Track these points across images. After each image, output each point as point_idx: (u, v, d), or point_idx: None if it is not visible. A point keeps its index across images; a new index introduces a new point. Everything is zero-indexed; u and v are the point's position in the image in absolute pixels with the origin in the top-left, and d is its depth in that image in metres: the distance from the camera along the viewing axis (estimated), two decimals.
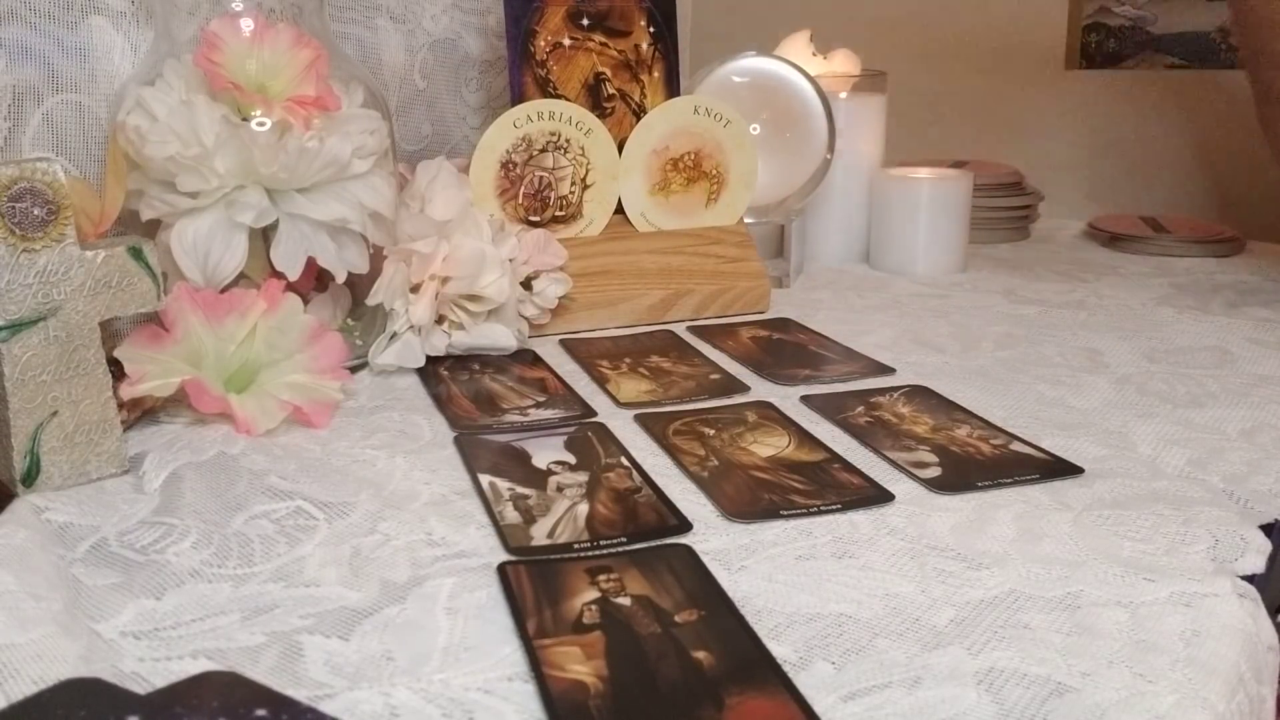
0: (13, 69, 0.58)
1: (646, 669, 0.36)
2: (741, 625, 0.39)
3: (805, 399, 0.62)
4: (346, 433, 0.56)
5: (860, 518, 0.47)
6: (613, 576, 0.42)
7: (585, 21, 0.80)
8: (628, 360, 0.69)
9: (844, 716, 0.34)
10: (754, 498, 0.49)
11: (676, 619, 0.39)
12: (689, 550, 0.44)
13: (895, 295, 0.86)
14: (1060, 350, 0.71)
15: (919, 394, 0.62)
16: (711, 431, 0.57)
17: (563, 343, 0.72)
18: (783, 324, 0.77)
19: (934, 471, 0.52)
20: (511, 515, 0.47)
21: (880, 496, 0.49)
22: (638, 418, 0.59)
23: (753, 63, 0.88)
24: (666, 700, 0.34)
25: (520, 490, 0.50)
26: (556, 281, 0.72)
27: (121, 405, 0.52)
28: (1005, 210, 1.06)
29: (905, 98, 1.12)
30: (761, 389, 0.64)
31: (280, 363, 0.57)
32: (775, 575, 0.43)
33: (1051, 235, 1.10)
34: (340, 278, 0.62)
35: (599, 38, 0.80)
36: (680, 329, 0.76)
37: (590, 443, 0.55)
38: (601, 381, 0.65)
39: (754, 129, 0.86)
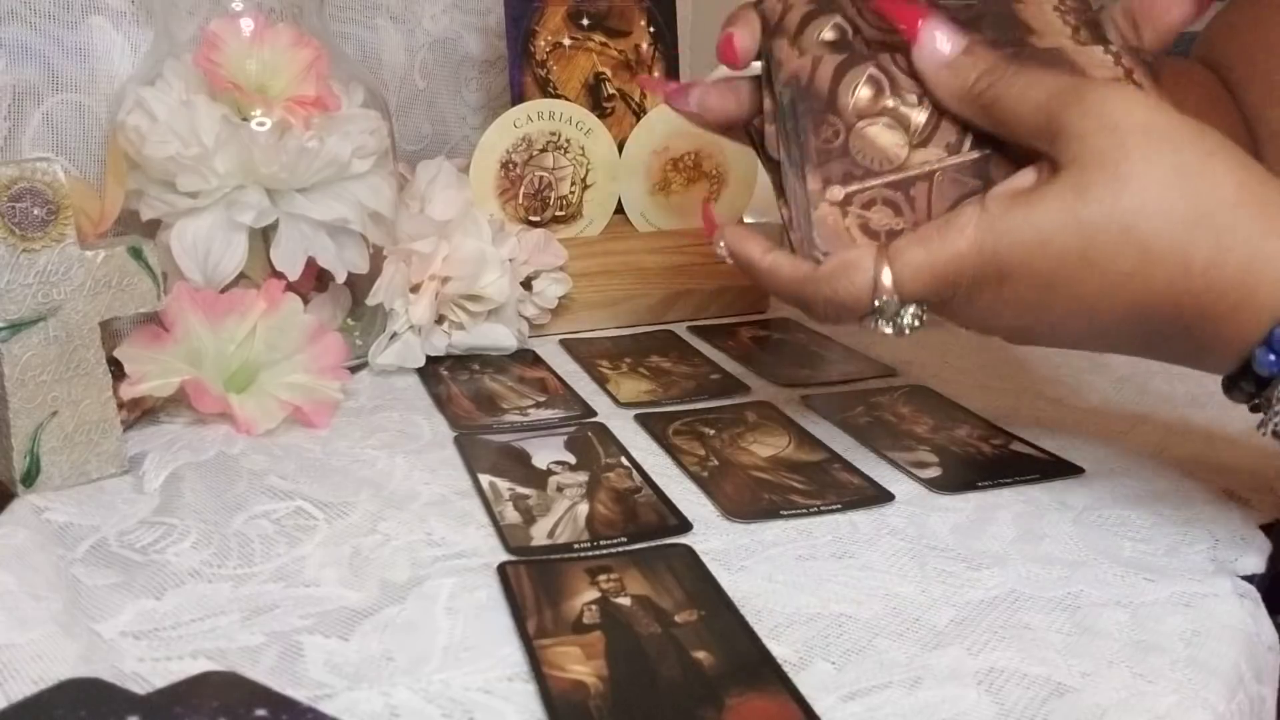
0: (13, 69, 0.58)
1: (646, 669, 0.36)
2: (741, 625, 0.39)
3: (805, 399, 0.62)
4: (346, 433, 0.56)
5: (860, 518, 0.47)
6: (613, 576, 0.42)
7: (585, 21, 0.80)
8: (628, 360, 0.69)
9: (844, 716, 0.34)
10: (754, 498, 0.49)
11: (676, 619, 0.39)
12: (689, 550, 0.44)
13: None
14: (1061, 350, 0.71)
15: (919, 394, 0.62)
16: (711, 431, 0.57)
17: (563, 343, 0.72)
18: (783, 324, 0.77)
19: (934, 471, 0.52)
20: (511, 515, 0.47)
21: (880, 496, 0.49)
22: (638, 418, 0.59)
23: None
24: (666, 700, 0.34)
25: (520, 490, 0.50)
26: (556, 281, 0.72)
27: (121, 405, 0.52)
28: None
29: None
30: (761, 389, 0.64)
31: (280, 363, 0.57)
32: (775, 575, 0.43)
33: None
34: (340, 278, 0.62)
35: (599, 38, 0.80)
36: (680, 329, 0.76)
37: (590, 443, 0.55)
38: (601, 381, 0.65)
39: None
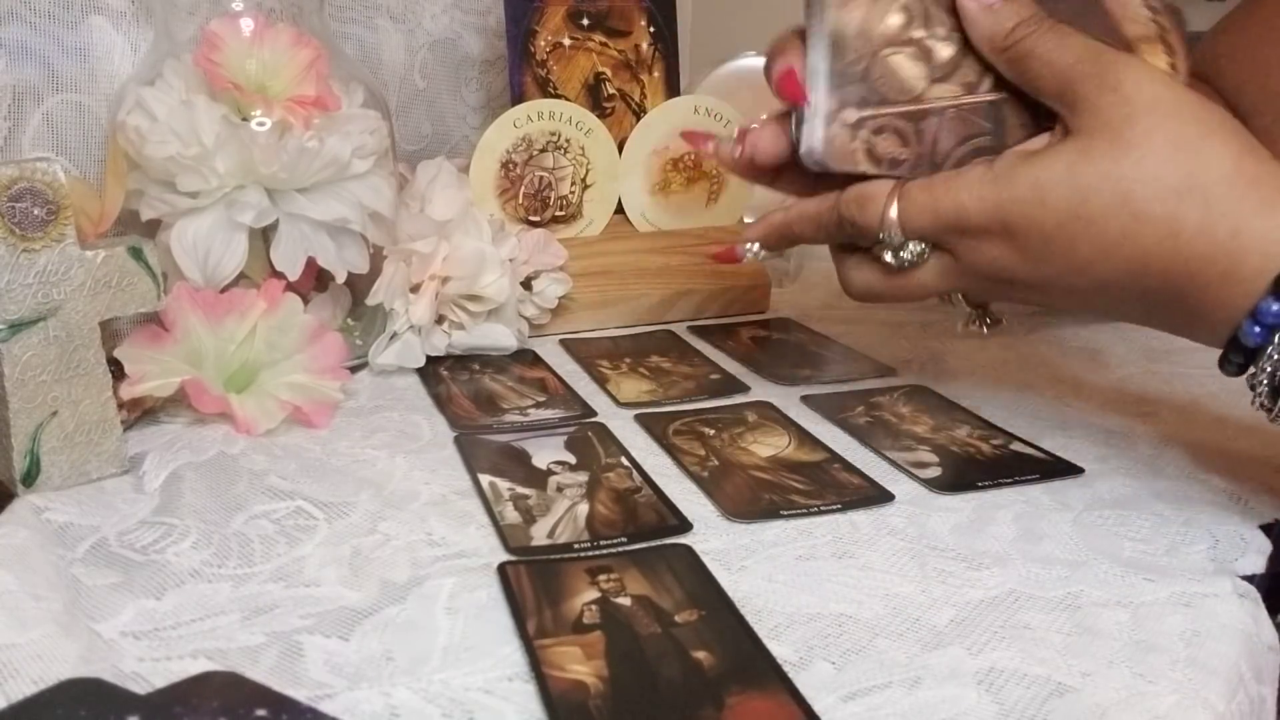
0: (13, 69, 0.58)
1: (646, 669, 0.36)
2: (741, 625, 0.39)
3: (805, 399, 0.62)
4: (346, 433, 0.56)
5: (860, 518, 0.47)
6: (613, 576, 0.42)
7: (585, 21, 0.80)
8: (628, 360, 0.69)
9: (844, 716, 0.34)
10: (754, 498, 0.49)
11: (676, 619, 0.39)
12: (689, 550, 0.44)
13: None
14: (1060, 350, 0.71)
15: (919, 394, 0.62)
16: (711, 431, 0.57)
17: (563, 343, 0.72)
18: (783, 324, 0.77)
19: (934, 471, 0.52)
20: (511, 515, 0.47)
21: (880, 496, 0.49)
22: (638, 418, 0.59)
23: (753, 63, 0.88)
24: (666, 700, 0.34)
25: (520, 490, 0.50)
26: (556, 281, 0.72)
27: (121, 405, 0.52)
28: None
29: None
30: (761, 389, 0.64)
31: (280, 363, 0.57)
32: (775, 575, 0.43)
33: None
34: (340, 278, 0.62)
35: (599, 38, 0.80)
36: (680, 329, 0.76)
37: (590, 443, 0.55)
38: (601, 381, 0.65)
39: (754, 128, 0.86)
